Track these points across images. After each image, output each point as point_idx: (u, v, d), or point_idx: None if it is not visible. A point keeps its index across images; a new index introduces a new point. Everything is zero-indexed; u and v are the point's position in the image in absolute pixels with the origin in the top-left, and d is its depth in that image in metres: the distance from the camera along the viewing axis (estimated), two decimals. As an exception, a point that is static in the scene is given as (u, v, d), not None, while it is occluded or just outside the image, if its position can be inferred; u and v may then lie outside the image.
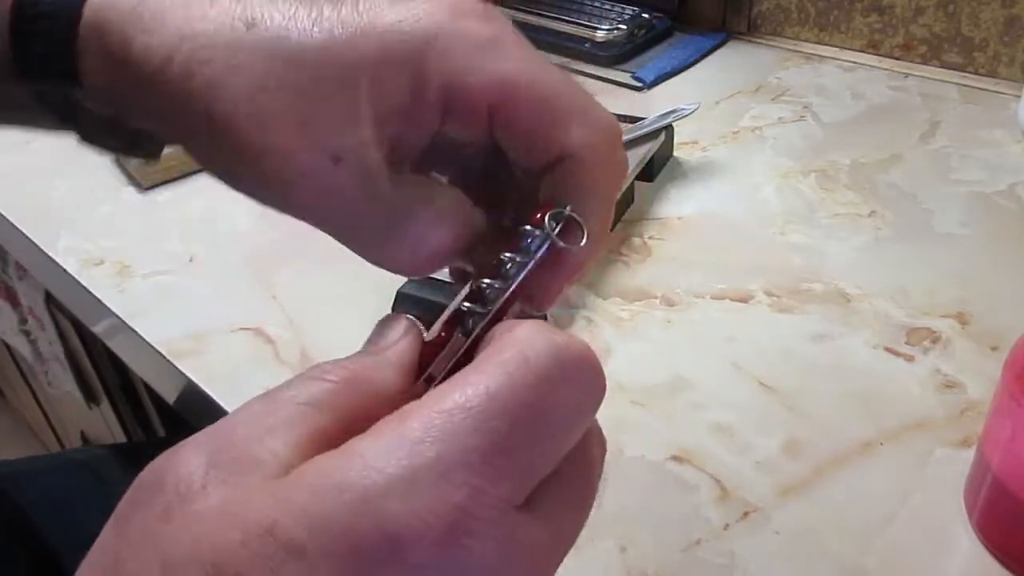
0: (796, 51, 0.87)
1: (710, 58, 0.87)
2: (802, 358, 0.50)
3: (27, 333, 1.03)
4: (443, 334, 0.25)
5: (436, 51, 0.24)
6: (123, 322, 0.58)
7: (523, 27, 0.96)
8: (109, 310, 0.60)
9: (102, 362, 0.91)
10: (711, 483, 0.43)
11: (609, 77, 0.84)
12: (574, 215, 0.25)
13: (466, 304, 0.25)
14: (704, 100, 0.78)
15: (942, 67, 0.80)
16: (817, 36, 0.87)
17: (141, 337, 0.57)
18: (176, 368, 0.54)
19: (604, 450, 0.23)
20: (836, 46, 0.86)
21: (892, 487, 0.42)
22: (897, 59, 0.83)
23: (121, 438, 1.00)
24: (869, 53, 0.84)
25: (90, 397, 1.00)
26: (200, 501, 0.18)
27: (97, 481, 0.64)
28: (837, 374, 0.49)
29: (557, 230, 0.25)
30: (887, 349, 0.50)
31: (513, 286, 0.24)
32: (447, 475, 0.17)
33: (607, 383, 0.22)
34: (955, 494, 0.41)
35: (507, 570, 0.18)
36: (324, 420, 0.20)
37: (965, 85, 0.78)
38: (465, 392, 0.19)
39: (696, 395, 0.48)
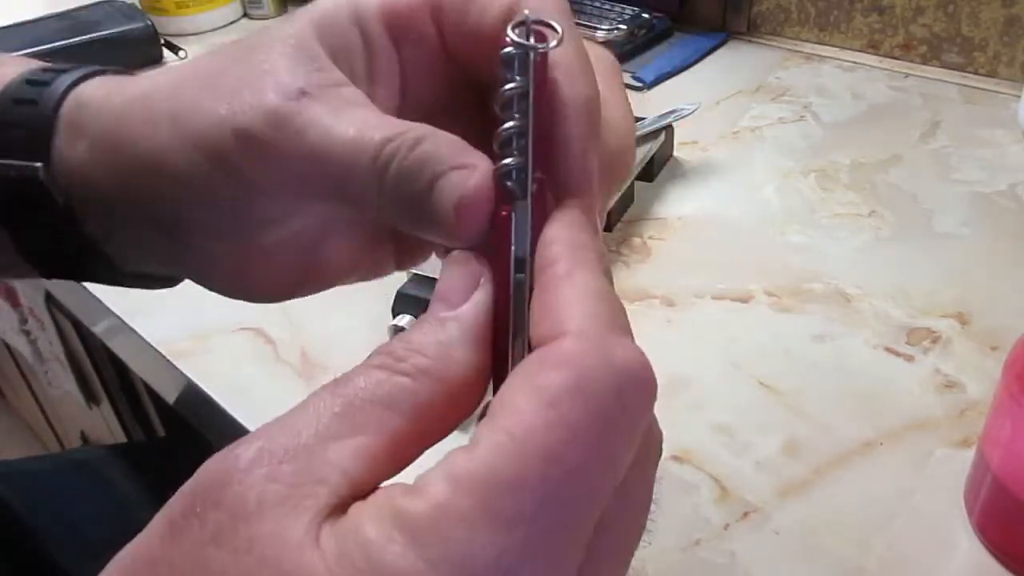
0: (796, 51, 0.87)
1: (710, 58, 0.87)
2: (802, 358, 0.50)
3: (27, 333, 1.03)
4: (503, 213, 0.22)
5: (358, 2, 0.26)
6: (123, 322, 0.58)
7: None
8: (109, 310, 0.60)
9: (102, 362, 0.91)
10: (711, 483, 0.43)
11: (609, 77, 0.84)
12: (538, 17, 0.22)
13: (504, 162, 0.22)
14: (704, 100, 0.78)
15: (942, 67, 0.80)
16: (817, 36, 0.87)
17: (141, 337, 0.57)
18: (176, 368, 0.54)
19: (649, 496, 0.21)
20: (836, 46, 0.86)
21: (892, 487, 0.42)
22: (897, 59, 0.83)
23: (121, 438, 1.00)
24: (869, 53, 0.84)
25: (90, 397, 1.00)
26: (254, 525, 0.17)
27: (97, 481, 0.64)
28: (837, 374, 0.49)
29: (526, 37, 0.22)
30: (887, 349, 0.50)
31: (531, 112, 0.22)
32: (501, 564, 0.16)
33: None
34: (955, 494, 0.41)
35: None
36: (397, 423, 0.19)
37: (965, 85, 0.78)
38: (513, 461, 0.17)
39: (696, 395, 0.48)
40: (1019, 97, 0.71)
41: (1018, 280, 0.55)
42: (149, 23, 0.93)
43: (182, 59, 0.95)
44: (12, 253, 0.28)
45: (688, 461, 0.44)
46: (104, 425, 1.03)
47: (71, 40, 0.88)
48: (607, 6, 0.90)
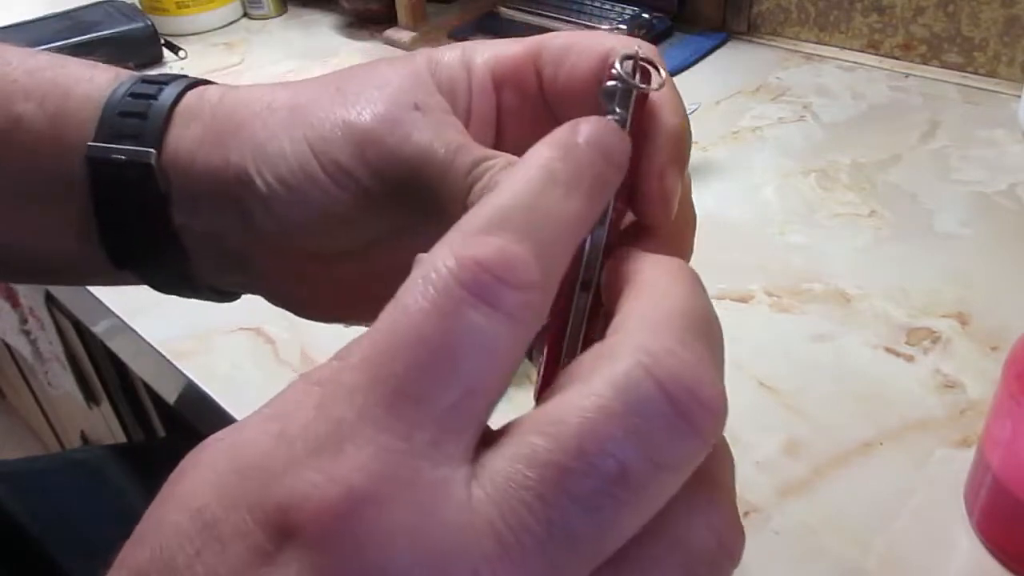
0: (796, 51, 0.87)
1: (710, 58, 0.87)
2: (802, 358, 0.50)
3: (27, 333, 1.03)
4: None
5: (479, 51, 0.29)
6: (123, 322, 0.58)
7: (523, 27, 0.96)
8: (109, 310, 0.60)
9: (102, 362, 0.91)
10: (711, 483, 0.43)
11: (609, 77, 0.84)
12: (645, 55, 0.24)
13: None
14: (704, 100, 0.78)
15: (942, 67, 0.80)
16: (817, 36, 0.87)
17: (141, 337, 0.57)
18: (176, 368, 0.54)
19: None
20: (836, 46, 0.86)
21: (892, 487, 0.42)
22: (897, 59, 0.83)
23: (121, 438, 1.00)
24: (869, 53, 0.84)
25: (90, 397, 1.00)
26: (178, 484, 0.18)
27: (97, 481, 0.64)
28: (837, 374, 0.49)
29: (630, 74, 0.23)
30: (887, 349, 0.50)
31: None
32: (349, 437, 0.15)
33: None
34: (955, 494, 0.41)
35: (426, 542, 0.15)
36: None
37: (965, 85, 0.78)
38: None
39: (696, 395, 0.48)
40: (1019, 97, 0.71)
41: (1018, 280, 0.55)
42: (149, 23, 0.93)
43: (182, 59, 0.95)
44: (90, 247, 0.29)
45: (688, 461, 0.44)
46: (104, 425, 1.03)
47: (71, 40, 0.88)
48: (607, 6, 0.90)
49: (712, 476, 0.18)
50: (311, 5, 1.10)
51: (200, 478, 0.17)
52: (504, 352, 0.17)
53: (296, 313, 0.31)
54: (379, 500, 0.15)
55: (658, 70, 0.24)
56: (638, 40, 0.25)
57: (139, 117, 0.28)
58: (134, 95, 0.29)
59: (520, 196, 0.18)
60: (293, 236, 0.28)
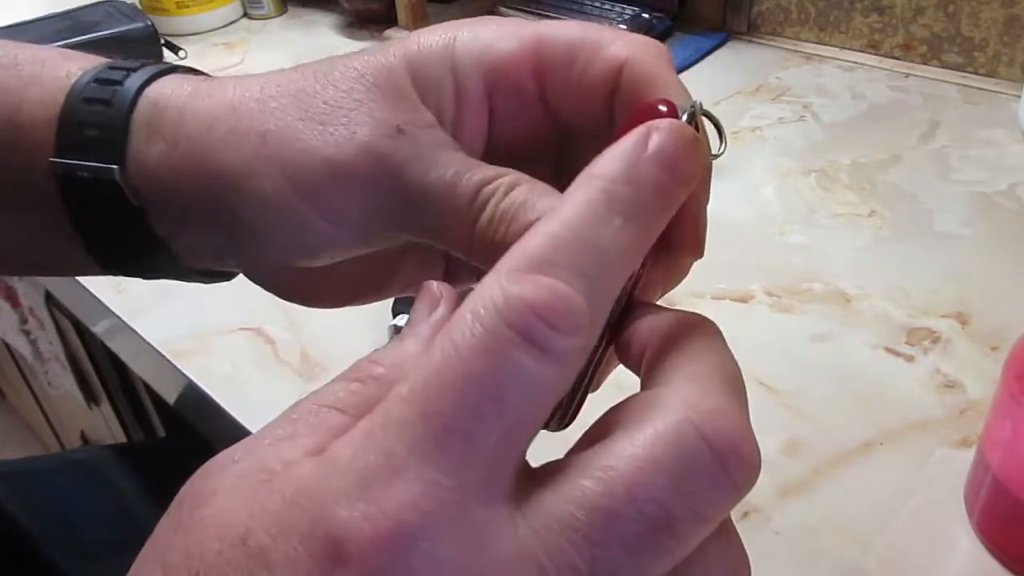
0: (796, 51, 0.87)
1: (710, 58, 0.87)
2: (802, 358, 0.50)
3: (27, 333, 1.03)
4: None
5: (462, 42, 0.26)
6: (123, 322, 0.58)
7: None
8: (109, 310, 0.60)
9: (102, 362, 0.91)
10: (711, 483, 0.43)
11: (609, 77, 0.84)
12: (706, 111, 0.22)
13: None
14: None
15: (942, 67, 0.80)
16: (817, 36, 0.87)
17: (141, 337, 0.57)
18: (176, 368, 0.54)
19: None
20: (836, 46, 0.86)
21: (892, 487, 0.42)
22: (897, 59, 0.83)
23: (121, 438, 1.00)
24: (869, 53, 0.84)
25: (90, 397, 1.00)
26: (203, 510, 0.18)
27: (97, 481, 0.64)
28: (837, 374, 0.49)
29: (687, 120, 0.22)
30: (887, 349, 0.50)
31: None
32: (399, 470, 0.16)
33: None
34: (955, 494, 0.41)
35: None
36: (348, 423, 0.19)
37: (965, 85, 0.78)
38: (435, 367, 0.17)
39: (696, 395, 0.48)
40: (1019, 97, 0.71)
41: (1018, 280, 0.55)
42: (149, 23, 0.93)
43: (182, 59, 0.95)
44: (79, 251, 0.29)
45: (688, 461, 0.44)
46: (104, 425, 1.03)
47: (71, 40, 0.88)
48: (607, 6, 0.90)
49: (728, 517, 0.19)
50: (311, 5, 1.10)
51: (234, 505, 0.17)
52: (550, 392, 0.17)
53: (298, 304, 0.30)
54: (429, 535, 0.15)
55: (720, 131, 0.23)
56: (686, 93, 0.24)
57: (96, 128, 0.26)
58: (87, 100, 0.27)
59: (576, 228, 0.18)
60: (282, 254, 0.27)
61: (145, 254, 0.28)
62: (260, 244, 0.27)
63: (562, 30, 0.26)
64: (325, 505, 0.16)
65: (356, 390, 0.20)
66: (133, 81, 0.27)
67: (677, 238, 0.23)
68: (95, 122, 0.26)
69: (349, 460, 0.16)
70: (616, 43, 0.25)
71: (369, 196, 0.25)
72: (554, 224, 0.18)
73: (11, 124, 0.27)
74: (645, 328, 0.22)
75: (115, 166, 0.26)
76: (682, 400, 0.18)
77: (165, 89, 0.27)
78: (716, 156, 0.23)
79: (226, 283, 0.33)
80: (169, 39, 0.97)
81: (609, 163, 0.19)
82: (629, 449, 0.17)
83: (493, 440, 0.16)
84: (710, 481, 0.17)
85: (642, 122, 0.21)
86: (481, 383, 0.16)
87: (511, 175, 0.24)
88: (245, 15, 1.08)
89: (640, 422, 0.17)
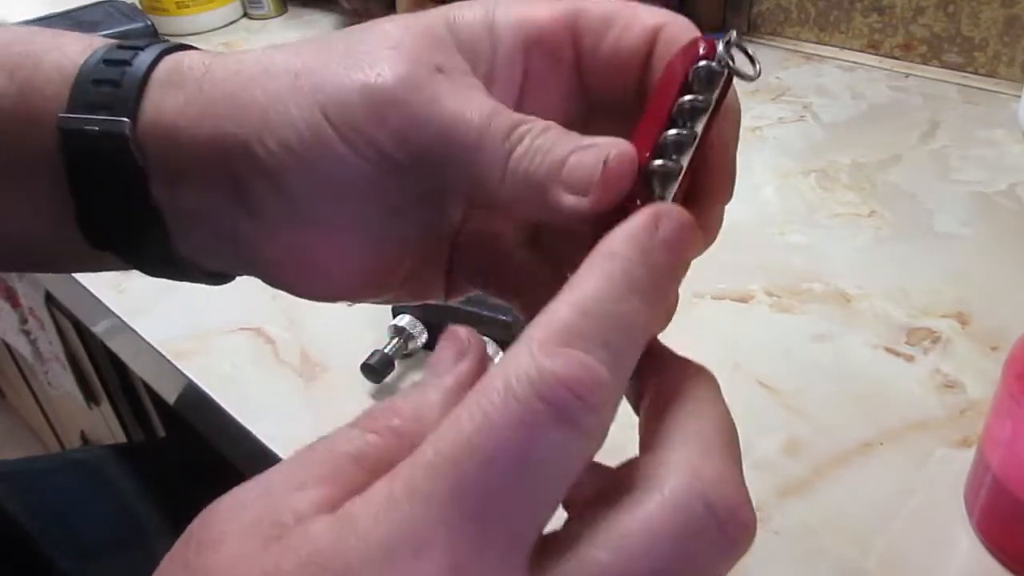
0: (796, 51, 0.87)
1: (710, 58, 0.87)
2: (802, 358, 0.50)
3: (27, 333, 1.03)
4: (637, 202, 0.22)
5: (502, 9, 0.26)
6: (123, 322, 0.58)
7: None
8: (109, 310, 0.60)
9: (102, 362, 0.91)
10: (711, 483, 0.43)
11: (609, 77, 0.84)
12: (739, 42, 0.23)
13: (655, 162, 0.22)
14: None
15: (942, 67, 0.80)
16: (817, 36, 0.87)
17: (141, 337, 0.57)
18: (176, 368, 0.54)
19: None
20: (836, 46, 0.86)
21: (892, 487, 0.42)
22: (897, 59, 0.83)
23: (121, 438, 1.00)
24: (869, 53, 0.84)
25: (90, 397, 1.00)
26: (211, 555, 0.17)
27: (97, 481, 0.64)
28: (837, 374, 0.49)
29: (731, 58, 0.22)
30: (887, 349, 0.50)
31: (699, 132, 0.22)
32: (425, 545, 0.16)
33: None
34: (955, 494, 0.41)
35: None
36: (360, 476, 0.19)
37: (965, 85, 0.78)
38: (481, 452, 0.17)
39: (696, 395, 0.48)
40: (1019, 97, 0.71)
41: (1018, 280, 0.55)
42: (149, 23, 0.93)
43: (182, 59, 0.95)
44: (68, 225, 0.28)
45: (688, 461, 0.44)
46: (104, 425, 1.03)
47: (71, 40, 0.88)
48: (607, 6, 0.90)
49: None
50: (311, 5, 1.10)
51: (244, 555, 0.17)
52: (576, 467, 0.18)
53: (293, 293, 0.29)
54: None
55: (752, 58, 0.24)
56: (690, 26, 0.24)
57: (112, 84, 0.26)
58: (107, 61, 0.26)
59: (601, 303, 0.19)
60: (299, 209, 0.26)
61: (136, 228, 0.27)
62: (274, 196, 0.26)
63: (599, 2, 0.26)
64: (348, 569, 0.16)
65: (373, 442, 0.20)
66: (154, 49, 0.27)
67: (710, 185, 0.24)
68: (111, 79, 0.26)
69: (370, 525, 0.16)
70: (651, 13, 0.26)
71: (404, 123, 0.24)
72: (579, 296, 0.19)
73: (28, 86, 0.26)
74: (644, 370, 0.22)
75: (126, 119, 0.26)
76: (686, 466, 0.19)
77: (187, 55, 0.27)
78: (752, 79, 0.23)
79: (227, 283, 0.32)
80: (169, 39, 0.97)
81: (625, 243, 0.20)
82: (640, 518, 0.18)
83: (519, 518, 0.17)
84: (713, 545, 0.19)
85: (686, 63, 0.22)
86: (514, 460, 0.17)
87: (543, 122, 0.24)
88: (245, 15, 1.08)
89: (648, 489, 0.18)
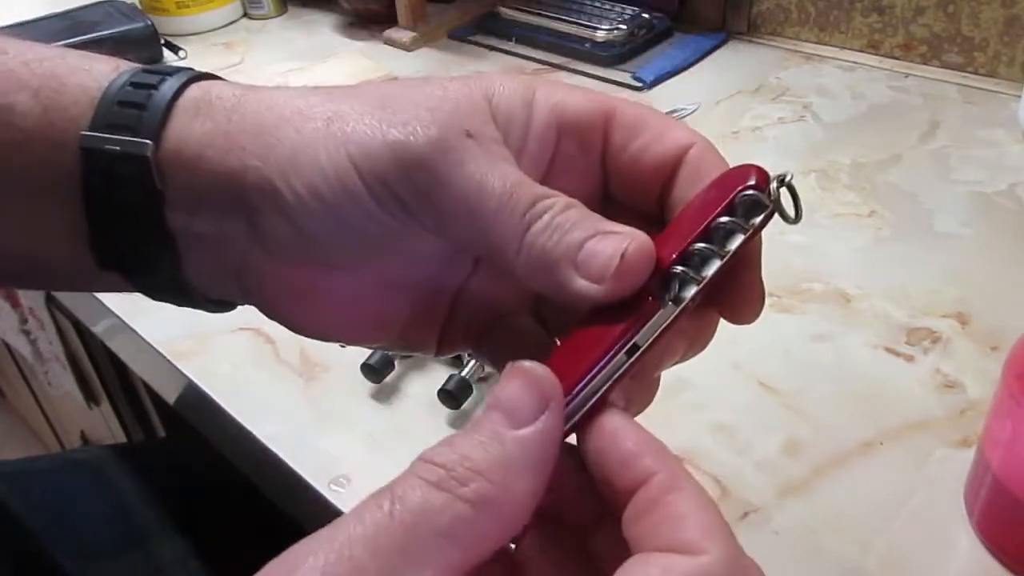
0: (796, 51, 0.87)
1: (710, 58, 0.87)
2: (802, 358, 0.50)
3: (27, 333, 1.03)
4: (650, 298, 0.23)
5: (542, 90, 0.27)
6: (123, 322, 0.58)
7: (524, 27, 0.96)
8: (109, 310, 0.60)
9: (102, 362, 0.91)
10: (711, 483, 0.43)
11: (609, 77, 0.84)
12: (790, 182, 0.24)
13: (678, 267, 0.23)
14: (704, 100, 0.78)
15: (942, 67, 0.80)
16: (817, 36, 0.87)
17: (141, 337, 0.57)
18: (176, 368, 0.54)
19: None
20: (836, 46, 0.86)
21: (892, 487, 0.42)
22: (897, 59, 0.83)
23: (121, 438, 1.00)
24: (869, 53, 0.84)
25: (90, 397, 1.00)
26: None
27: (97, 481, 0.64)
28: (837, 374, 0.49)
29: (779, 196, 0.23)
30: (887, 349, 0.50)
31: (730, 251, 0.23)
32: None
33: None
34: (955, 494, 0.41)
35: None
36: (456, 556, 0.19)
37: (965, 85, 0.78)
38: None
39: (696, 395, 0.48)
40: (1019, 97, 0.71)
41: (1018, 280, 0.55)
42: (149, 23, 0.93)
43: (182, 59, 0.95)
44: (81, 249, 0.28)
45: (688, 461, 0.44)
46: (104, 425, 1.03)
47: (71, 40, 0.88)
48: (607, 6, 0.90)
49: None
50: (311, 5, 1.10)
51: None
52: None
53: (292, 329, 0.29)
54: None
55: (798, 203, 0.24)
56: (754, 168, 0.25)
57: (138, 108, 0.26)
58: (134, 84, 0.27)
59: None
60: (312, 250, 0.26)
61: (148, 252, 0.28)
62: (291, 234, 0.26)
63: (635, 106, 0.27)
64: None
65: (468, 517, 0.20)
66: (182, 76, 0.27)
67: (739, 302, 0.25)
68: (137, 103, 0.26)
69: None
70: (682, 131, 0.27)
71: (429, 184, 0.24)
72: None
73: (54, 105, 0.27)
74: (624, 456, 0.23)
75: (149, 141, 0.26)
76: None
77: (216, 85, 0.27)
78: (792, 222, 0.24)
79: (228, 311, 0.32)
80: (169, 39, 0.97)
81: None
82: None
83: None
84: None
85: (734, 185, 0.23)
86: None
87: (567, 198, 0.25)
88: (245, 15, 1.08)
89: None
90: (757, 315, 0.25)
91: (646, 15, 0.88)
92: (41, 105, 0.27)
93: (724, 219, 0.23)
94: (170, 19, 1.01)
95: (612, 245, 0.23)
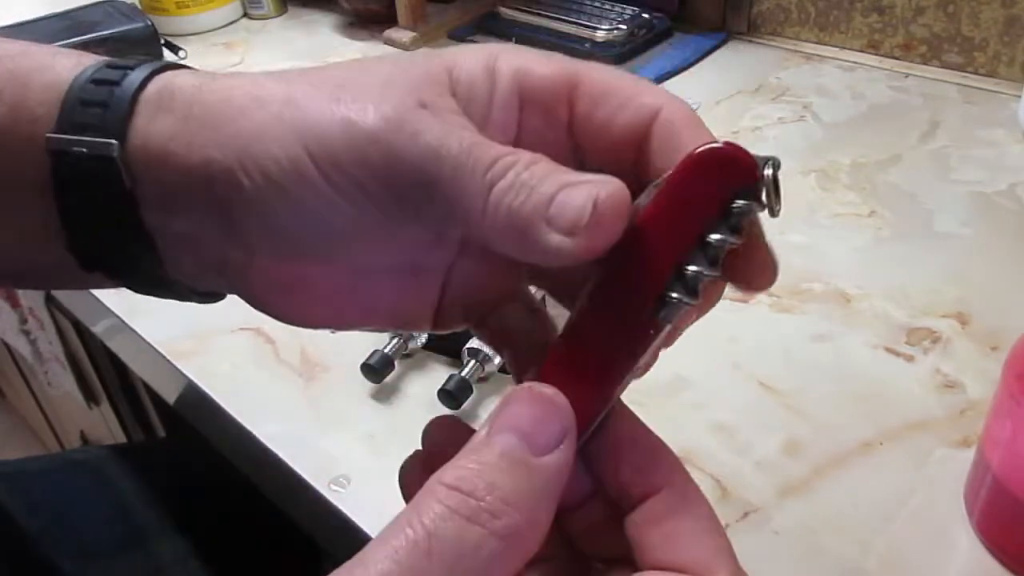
0: (796, 51, 0.87)
1: (710, 58, 0.87)
2: (802, 358, 0.50)
3: (27, 333, 1.03)
4: (651, 332, 0.23)
5: (503, 57, 0.26)
6: (123, 322, 0.58)
7: (524, 27, 0.96)
8: (109, 310, 0.60)
9: (102, 362, 0.91)
10: (711, 483, 0.43)
11: (609, 77, 0.84)
12: (777, 175, 0.22)
13: (673, 295, 0.23)
14: (704, 100, 0.78)
15: (942, 67, 0.80)
16: (817, 36, 0.87)
17: (141, 337, 0.57)
18: (176, 368, 0.54)
19: None
20: (836, 46, 0.86)
21: (892, 487, 0.42)
22: (897, 59, 0.83)
23: (121, 438, 1.00)
24: (869, 53, 0.84)
25: (90, 397, 1.00)
26: None
27: (97, 481, 0.64)
28: (837, 374, 0.49)
29: (769, 192, 0.22)
30: (887, 349, 0.50)
31: (721, 268, 0.22)
32: None
33: None
34: (955, 494, 0.41)
35: None
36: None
37: (965, 85, 0.78)
38: None
39: (696, 395, 0.48)
40: (1019, 97, 0.71)
41: (1018, 280, 0.55)
42: (149, 23, 0.93)
43: (182, 59, 0.95)
44: (60, 249, 0.27)
45: (688, 461, 0.44)
46: (104, 425, 1.03)
47: (71, 40, 0.88)
48: (607, 6, 0.90)
49: None
50: (311, 5, 1.10)
51: None
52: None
53: (280, 319, 0.28)
54: None
55: (779, 193, 0.23)
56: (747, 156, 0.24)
57: (101, 106, 0.25)
58: (96, 81, 0.26)
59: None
60: (282, 238, 0.26)
61: (127, 251, 0.27)
62: (259, 227, 0.25)
63: (601, 71, 0.26)
64: None
65: (500, 553, 0.20)
66: (144, 69, 0.27)
67: (751, 274, 0.24)
68: (100, 100, 0.26)
69: None
70: (652, 93, 0.25)
71: (385, 161, 0.24)
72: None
73: (20, 106, 0.26)
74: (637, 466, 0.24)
75: (114, 141, 0.25)
76: None
77: (178, 76, 0.27)
78: (774, 215, 0.23)
79: (217, 301, 0.32)
80: (169, 39, 0.97)
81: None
82: None
83: None
84: None
85: (721, 183, 0.22)
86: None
87: (531, 153, 0.23)
88: (245, 15, 1.08)
89: None
90: (772, 282, 0.25)
91: (646, 15, 0.88)
92: (6, 106, 0.26)
93: (716, 237, 0.22)
94: (170, 19, 1.01)
95: (583, 194, 0.22)
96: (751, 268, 0.24)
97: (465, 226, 0.24)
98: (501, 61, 0.26)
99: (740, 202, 0.22)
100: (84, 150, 0.25)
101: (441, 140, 0.23)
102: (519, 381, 0.25)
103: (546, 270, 0.26)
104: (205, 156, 0.25)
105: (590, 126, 0.26)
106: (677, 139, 0.25)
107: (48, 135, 0.26)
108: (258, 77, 0.26)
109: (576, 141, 0.26)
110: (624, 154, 0.26)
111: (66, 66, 0.27)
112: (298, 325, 0.28)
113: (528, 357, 0.28)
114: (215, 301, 0.31)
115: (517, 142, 0.26)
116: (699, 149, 0.23)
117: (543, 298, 0.32)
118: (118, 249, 0.27)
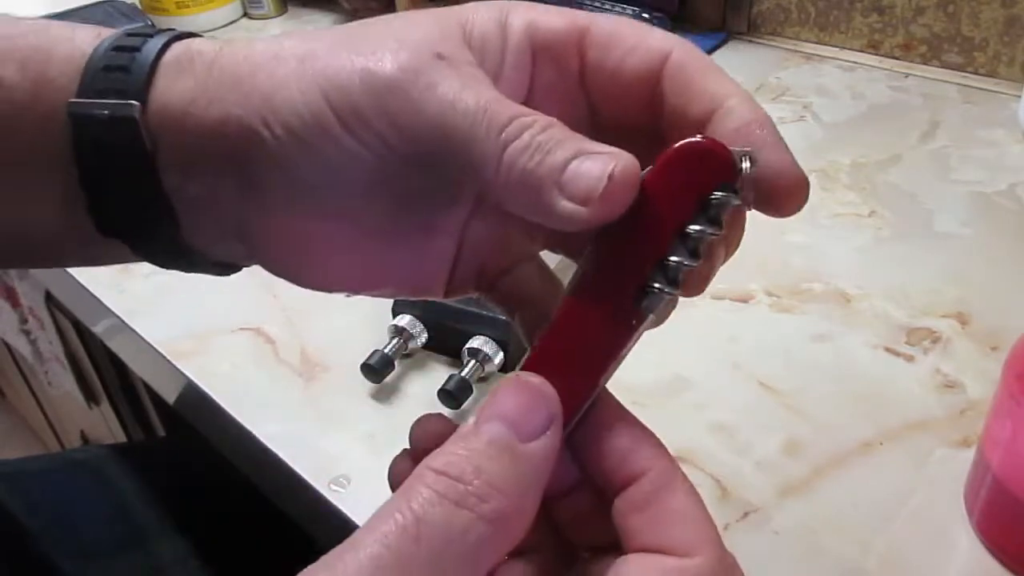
0: (796, 51, 0.87)
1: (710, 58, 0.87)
2: (802, 358, 0.50)
3: (27, 333, 1.03)
4: (634, 322, 0.24)
5: (515, 11, 0.26)
6: (123, 322, 0.58)
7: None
8: (109, 310, 0.60)
9: (102, 362, 0.91)
10: (711, 483, 0.43)
11: (609, 77, 0.84)
12: (753, 169, 0.23)
13: (655, 285, 0.23)
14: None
15: (942, 67, 0.80)
16: (817, 36, 0.87)
17: (141, 337, 0.57)
18: (176, 368, 0.54)
19: None
20: (836, 46, 0.86)
21: (892, 487, 0.42)
22: (897, 59, 0.83)
23: (121, 438, 1.00)
24: (869, 53, 0.84)
25: (90, 397, 1.00)
26: None
27: (97, 481, 0.64)
28: (837, 374, 0.49)
29: (742, 182, 0.23)
30: (887, 349, 0.50)
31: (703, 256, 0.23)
32: None
33: None
34: (955, 494, 0.41)
35: None
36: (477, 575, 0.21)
37: (965, 85, 0.78)
38: None
39: (696, 395, 0.48)
40: (1019, 97, 0.71)
41: (1018, 280, 0.55)
42: (149, 23, 0.93)
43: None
44: (78, 218, 0.27)
45: (688, 461, 0.44)
46: (104, 425, 1.03)
47: (71, 40, 0.88)
48: (607, 6, 0.90)
49: None
50: (311, 5, 1.10)
51: None
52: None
53: (296, 283, 0.29)
54: None
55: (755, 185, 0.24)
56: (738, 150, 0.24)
57: (122, 71, 0.26)
58: (117, 48, 0.27)
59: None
60: (302, 194, 0.26)
61: (146, 216, 0.27)
62: (278, 183, 0.26)
63: (609, 20, 0.26)
64: None
65: (488, 537, 0.21)
66: (163, 36, 0.27)
67: (781, 199, 0.27)
68: (121, 65, 0.26)
69: None
70: (660, 38, 0.26)
71: (402, 110, 0.24)
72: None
73: (41, 77, 0.26)
74: (625, 458, 0.24)
75: (135, 103, 0.26)
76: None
77: (196, 42, 0.27)
78: (751, 207, 0.24)
79: (226, 283, 0.32)
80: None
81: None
82: None
83: None
84: None
85: (700, 176, 0.23)
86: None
87: (546, 118, 0.24)
88: (245, 15, 1.08)
89: None
90: (803, 203, 0.26)
91: (646, 15, 0.88)
92: (28, 78, 0.26)
93: (696, 228, 0.23)
94: (170, 19, 1.01)
95: (599, 166, 0.22)
96: (779, 192, 0.25)
97: (477, 181, 0.24)
98: (512, 15, 0.26)
99: (719, 194, 0.23)
100: (106, 112, 0.26)
101: (457, 93, 0.24)
102: (530, 344, 0.26)
103: (559, 233, 0.27)
104: (225, 113, 0.25)
105: (601, 74, 0.26)
106: (689, 80, 0.25)
107: (70, 100, 0.26)
108: (276, 37, 0.27)
109: (588, 92, 0.27)
110: (637, 100, 0.26)
111: (86, 39, 0.27)
112: (314, 288, 0.29)
113: (539, 320, 0.28)
114: (231, 273, 0.31)
115: (530, 96, 0.27)
116: (679, 143, 0.23)
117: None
118: (137, 213, 0.27)
